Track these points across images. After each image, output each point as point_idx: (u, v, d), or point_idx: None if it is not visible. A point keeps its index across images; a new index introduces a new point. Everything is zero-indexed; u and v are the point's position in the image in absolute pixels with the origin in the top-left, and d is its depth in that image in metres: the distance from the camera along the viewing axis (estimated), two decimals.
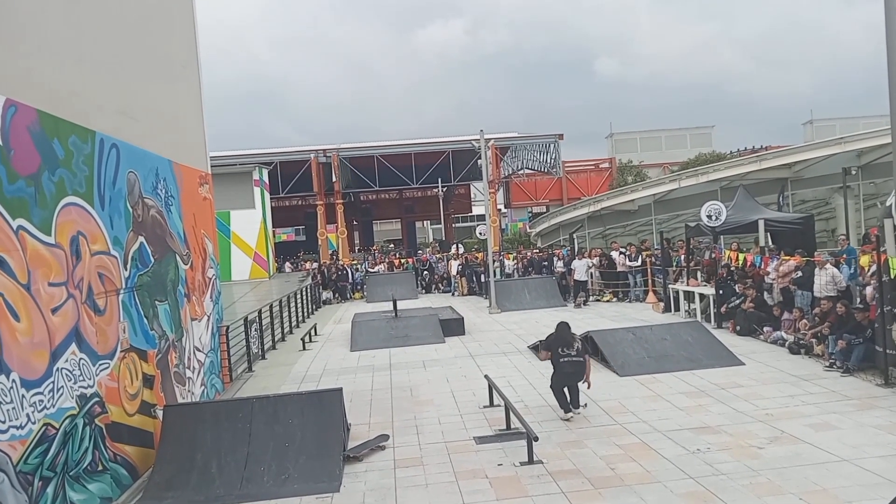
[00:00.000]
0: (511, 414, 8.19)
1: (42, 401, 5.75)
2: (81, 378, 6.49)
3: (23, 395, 5.47)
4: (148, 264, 8.64)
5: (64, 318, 6.29)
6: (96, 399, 6.77)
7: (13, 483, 5.20)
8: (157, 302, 8.81)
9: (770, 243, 15.89)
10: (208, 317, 11.25)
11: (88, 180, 7.18)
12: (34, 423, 5.59)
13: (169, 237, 9.54)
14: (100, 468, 6.70)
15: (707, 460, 6.82)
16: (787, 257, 13.69)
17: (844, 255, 12.93)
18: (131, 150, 8.43)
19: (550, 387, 8.99)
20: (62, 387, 6.10)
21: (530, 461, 7.10)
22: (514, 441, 7.76)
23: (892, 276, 9.47)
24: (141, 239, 8.49)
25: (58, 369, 6.07)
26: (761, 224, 15.98)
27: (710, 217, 15.55)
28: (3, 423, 5.17)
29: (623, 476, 6.57)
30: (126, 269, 7.94)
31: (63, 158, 6.64)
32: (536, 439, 7.13)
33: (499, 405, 9.06)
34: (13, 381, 5.35)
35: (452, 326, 16.09)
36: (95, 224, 7.25)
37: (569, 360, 8.83)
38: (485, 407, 9.44)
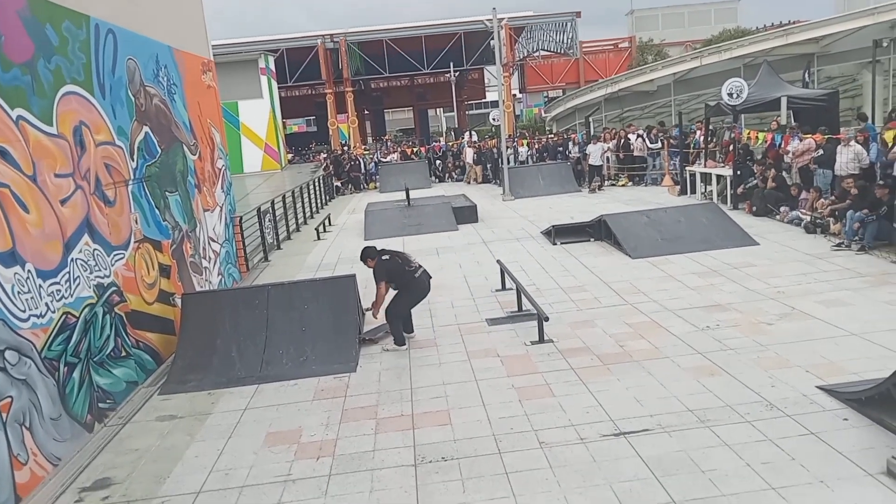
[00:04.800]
0: (522, 296, 8.28)
1: (59, 290, 5.86)
2: (97, 268, 6.59)
3: (40, 285, 5.57)
4: (155, 154, 8.55)
5: (74, 210, 6.31)
6: (114, 288, 6.91)
7: (40, 368, 5.39)
8: (167, 193, 8.80)
9: (793, 121, 15.41)
10: (220, 207, 11.28)
11: (86, 68, 6.98)
12: (54, 312, 5.72)
13: (174, 126, 9.39)
14: (123, 354, 6.94)
15: (716, 336, 6.91)
16: (807, 135, 13.30)
17: (867, 132, 12.51)
18: (129, 35, 8.14)
19: (393, 314, 7.54)
20: (78, 277, 6.20)
21: (541, 340, 7.24)
22: (526, 322, 7.90)
23: None
24: (146, 128, 8.36)
25: (72, 260, 6.15)
26: (783, 101, 15.39)
27: (731, 95, 14.96)
28: (24, 311, 5.30)
29: (631, 352, 6.70)
30: (133, 160, 7.88)
31: (58, 45, 6.42)
32: (547, 319, 7.23)
33: (510, 288, 9.15)
34: (29, 271, 5.43)
35: (465, 214, 16.06)
36: (97, 113, 7.12)
37: (423, 270, 7.63)
38: (497, 291, 9.55)
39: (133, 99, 8.07)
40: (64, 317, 5.90)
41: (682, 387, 5.77)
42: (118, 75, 7.73)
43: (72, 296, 6.06)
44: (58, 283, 5.86)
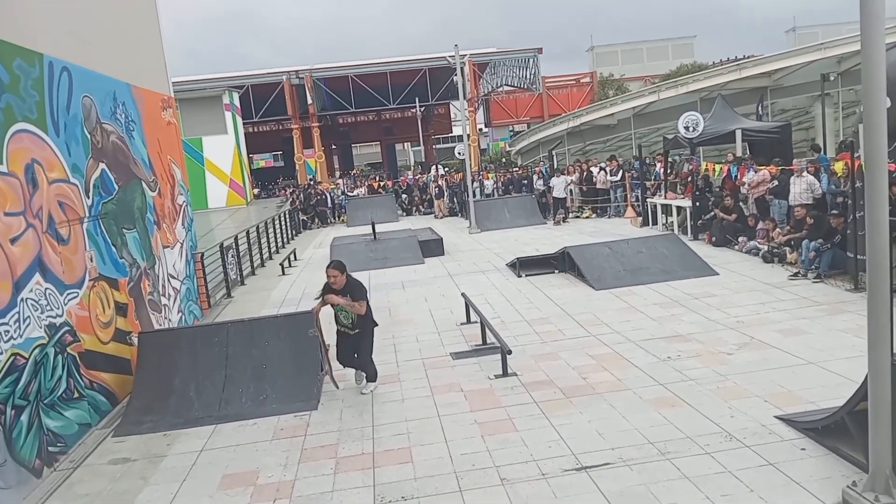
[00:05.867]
0: (486, 329, 8.27)
1: (8, 331, 5.68)
2: (49, 308, 6.41)
3: None
4: (112, 191, 8.41)
5: (25, 249, 6.14)
6: (67, 328, 6.71)
7: None
8: (124, 230, 8.64)
9: (748, 153, 15.85)
10: (181, 244, 11.11)
11: (39, 106, 6.87)
12: (1, 354, 5.53)
13: (132, 163, 9.27)
14: (76, 395, 6.72)
15: (677, 367, 6.96)
16: (761, 167, 13.68)
17: (818, 163, 12.92)
18: (85, 73, 8.05)
19: (371, 352, 7.25)
20: (28, 317, 6.02)
21: (504, 374, 7.21)
22: (490, 355, 7.87)
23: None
24: (102, 166, 8.23)
25: (22, 299, 5.97)
26: (738, 134, 15.87)
27: (687, 128, 15.38)
28: None
29: (594, 385, 6.71)
30: (88, 197, 7.73)
31: (9, 83, 6.31)
32: (510, 352, 7.22)
33: (476, 322, 9.13)
34: None
35: (432, 247, 16.09)
36: (51, 151, 6.99)
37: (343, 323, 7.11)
38: (462, 324, 9.53)
39: (89, 136, 7.95)
40: (12, 358, 5.70)
41: (643, 419, 5.78)
42: (73, 112, 7.63)
43: (21, 336, 5.87)
44: (6, 324, 5.68)
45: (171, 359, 7.45)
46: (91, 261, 7.56)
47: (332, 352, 7.50)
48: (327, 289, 7.08)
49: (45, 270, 6.45)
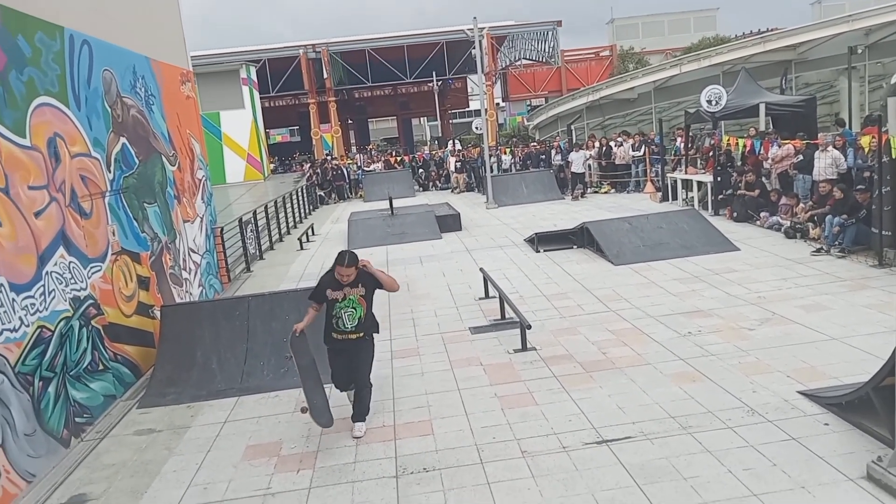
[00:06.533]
0: (505, 304, 8.26)
1: (34, 304, 5.76)
2: (73, 281, 6.49)
3: (13, 299, 5.46)
4: (133, 166, 8.46)
5: (48, 222, 6.21)
6: (91, 301, 6.80)
7: (13, 383, 5.28)
8: (145, 204, 8.70)
9: (771, 127, 15.58)
10: (201, 218, 11.18)
11: (61, 79, 6.89)
12: (28, 326, 5.62)
13: (153, 137, 9.30)
14: (101, 367, 6.82)
15: (697, 342, 6.92)
16: (786, 141, 13.44)
17: (844, 137, 12.67)
18: (105, 46, 8.05)
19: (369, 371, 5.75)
20: (53, 290, 6.10)
21: (524, 348, 7.21)
22: (509, 330, 7.88)
23: (893, 157, 9.29)
24: (123, 140, 8.27)
25: (47, 273, 6.04)
26: (762, 108, 15.59)
27: (710, 102, 15.14)
28: None
29: (614, 359, 6.69)
30: (110, 172, 7.78)
31: (30, 56, 6.33)
32: (529, 327, 7.22)
33: (494, 297, 9.13)
34: (1, 285, 5.33)
35: (449, 222, 16.06)
36: (73, 125, 7.03)
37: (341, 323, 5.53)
38: (480, 299, 9.53)
39: (109, 110, 7.98)
40: (39, 331, 5.79)
41: (664, 393, 5.77)
42: (94, 86, 7.65)
43: (46, 309, 5.95)
44: (32, 297, 5.76)
45: (193, 332, 7.53)
46: (113, 235, 7.63)
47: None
48: (329, 284, 5.54)
49: (68, 244, 6.52)
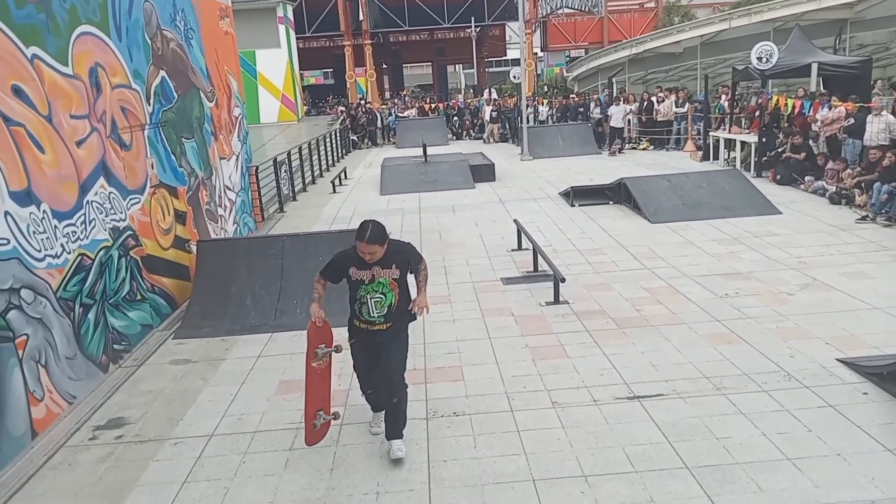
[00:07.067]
0: (539, 256, 8.19)
1: (75, 232, 5.83)
2: (112, 211, 6.55)
3: (55, 226, 5.53)
4: (171, 100, 8.43)
5: (89, 152, 6.24)
6: (129, 232, 6.88)
7: (55, 308, 5.40)
8: (183, 139, 8.71)
9: (822, 88, 14.98)
10: (237, 156, 11.18)
11: (102, 9, 6.81)
12: (69, 253, 5.70)
13: (191, 72, 9.24)
14: (138, 297, 6.95)
15: (735, 304, 6.81)
16: (839, 103, 12.92)
17: None
18: None
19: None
20: (94, 219, 6.17)
21: (556, 301, 7.17)
22: (541, 282, 7.83)
23: None
24: (162, 73, 8.23)
25: (88, 202, 6.10)
26: (814, 67, 14.95)
27: (760, 59, 14.54)
28: (39, 251, 5.27)
29: (648, 317, 6.62)
30: (149, 104, 7.77)
31: None
32: (563, 280, 7.15)
33: (527, 249, 9.06)
34: (44, 211, 5.39)
35: (483, 172, 15.88)
36: (114, 55, 6.99)
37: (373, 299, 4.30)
38: (513, 250, 9.47)
39: (150, 42, 7.91)
40: (79, 258, 5.88)
41: (698, 353, 5.70)
42: (135, 17, 7.57)
43: (87, 238, 6.03)
44: (73, 225, 5.83)
45: (227, 268, 7.60)
46: (152, 168, 7.66)
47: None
48: (352, 260, 4.27)
49: (108, 174, 6.56)
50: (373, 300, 4.29)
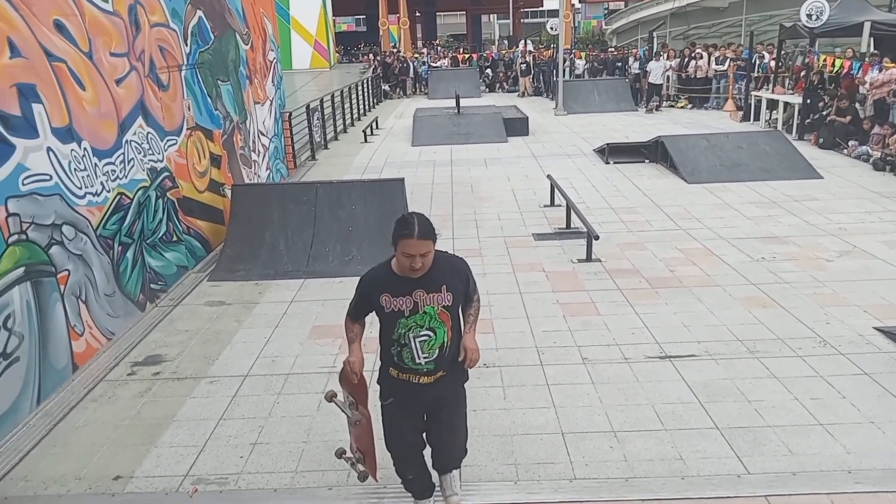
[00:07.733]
0: (572, 213, 8.11)
1: (114, 170, 5.89)
2: (150, 152, 6.60)
3: (95, 164, 5.59)
4: (208, 41, 8.38)
5: (128, 90, 6.25)
6: (166, 173, 6.93)
7: (95, 245, 5.49)
8: (219, 81, 8.68)
9: (872, 49, 14.39)
10: (270, 101, 11.15)
11: None
12: (109, 192, 5.77)
13: (228, 14, 9.15)
14: (175, 239, 7.04)
15: (771, 268, 6.70)
16: (891, 64, 12.43)
17: None
18: None
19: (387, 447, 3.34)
20: (132, 159, 6.21)
21: (588, 259, 7.12)
22: (574, 239, 7.77)
23: None
24: (199, 13, 8.16)
25: (127, 141, 6.14)
26: (866, 26, 14.34)
27: (810, 16, 13.99)
28: (80, 188, 5.34)
29: (682, 278, 6.55)
30: (186, 45, 7.73)
31: None
32: (597, 238, 7.09)
33: (559, 205, 8.98)
34: (85, 149, 5.44)
35: (516, 126, 15.67)
36: None
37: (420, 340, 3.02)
38: (545, 206, 9.38)
39: None
40: (118, 197, 5.95)
41: (732, 316, 5.64)
42: None
43: (126, 177, 6.09)
44: (112, 164, 5.88)
45: (261, 213, 7.65)
46: (188, 109, 7.67)
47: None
48: (383, 284, 3.08)
49: (146, 114, 6.58)
50: (418, 340, 3.00)
